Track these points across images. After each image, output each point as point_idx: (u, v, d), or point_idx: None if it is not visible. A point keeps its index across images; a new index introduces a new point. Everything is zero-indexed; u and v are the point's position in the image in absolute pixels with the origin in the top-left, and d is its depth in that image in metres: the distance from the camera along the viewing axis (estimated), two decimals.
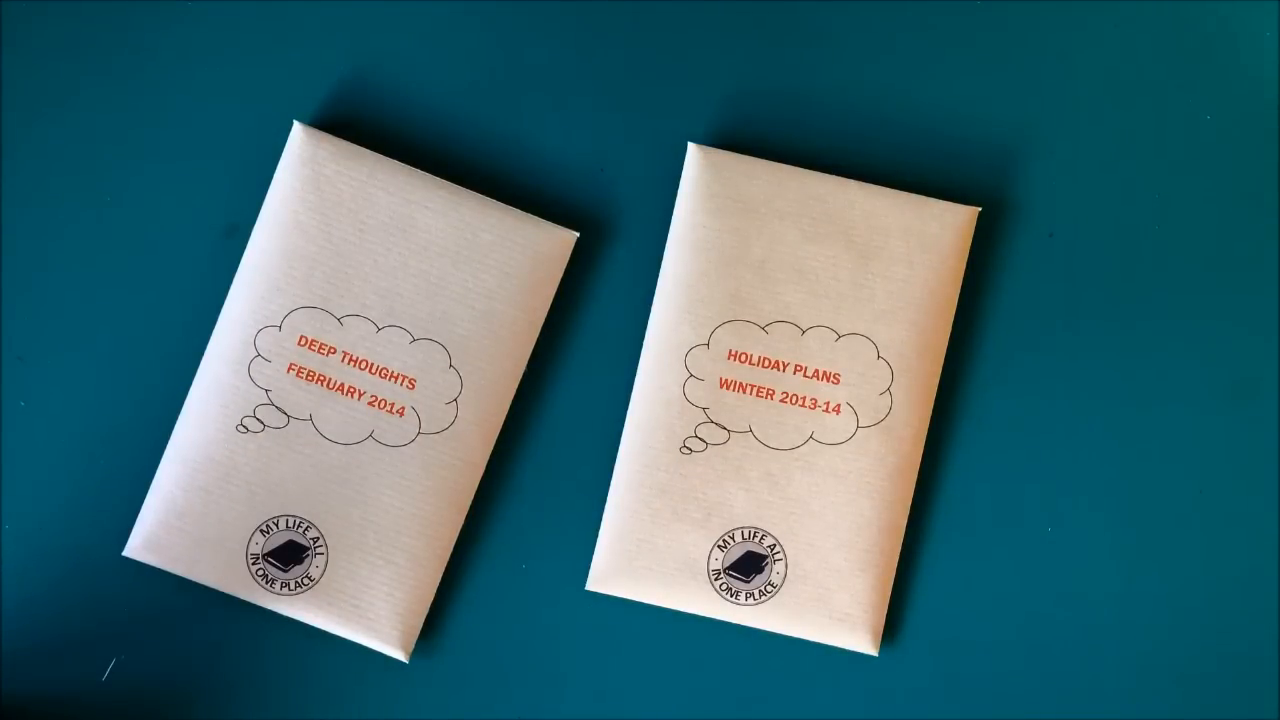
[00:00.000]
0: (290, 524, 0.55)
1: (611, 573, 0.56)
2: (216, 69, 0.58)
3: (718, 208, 0.56)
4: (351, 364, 0.55)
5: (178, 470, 0.55)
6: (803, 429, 0.55)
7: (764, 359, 0.55)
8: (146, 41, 0.57)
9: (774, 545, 0.55)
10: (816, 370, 0.55)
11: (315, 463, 0.55)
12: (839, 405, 0.55)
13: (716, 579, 0.55)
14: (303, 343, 0.55)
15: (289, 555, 0.55)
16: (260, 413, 0.55)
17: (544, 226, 0.56)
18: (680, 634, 0.57)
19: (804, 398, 0.55)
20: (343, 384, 0.55)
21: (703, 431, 0.55)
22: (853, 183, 0.56)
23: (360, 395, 0.55)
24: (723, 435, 0.55)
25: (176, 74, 0.57)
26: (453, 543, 0.56)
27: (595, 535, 0.56)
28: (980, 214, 0.56)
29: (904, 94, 0.58)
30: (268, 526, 0.55)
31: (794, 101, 0.58)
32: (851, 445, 0.55)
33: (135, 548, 0.55)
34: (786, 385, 0.55)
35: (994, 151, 0.58)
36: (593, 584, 0.56)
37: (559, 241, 0.56)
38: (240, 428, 0.55)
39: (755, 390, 0.55)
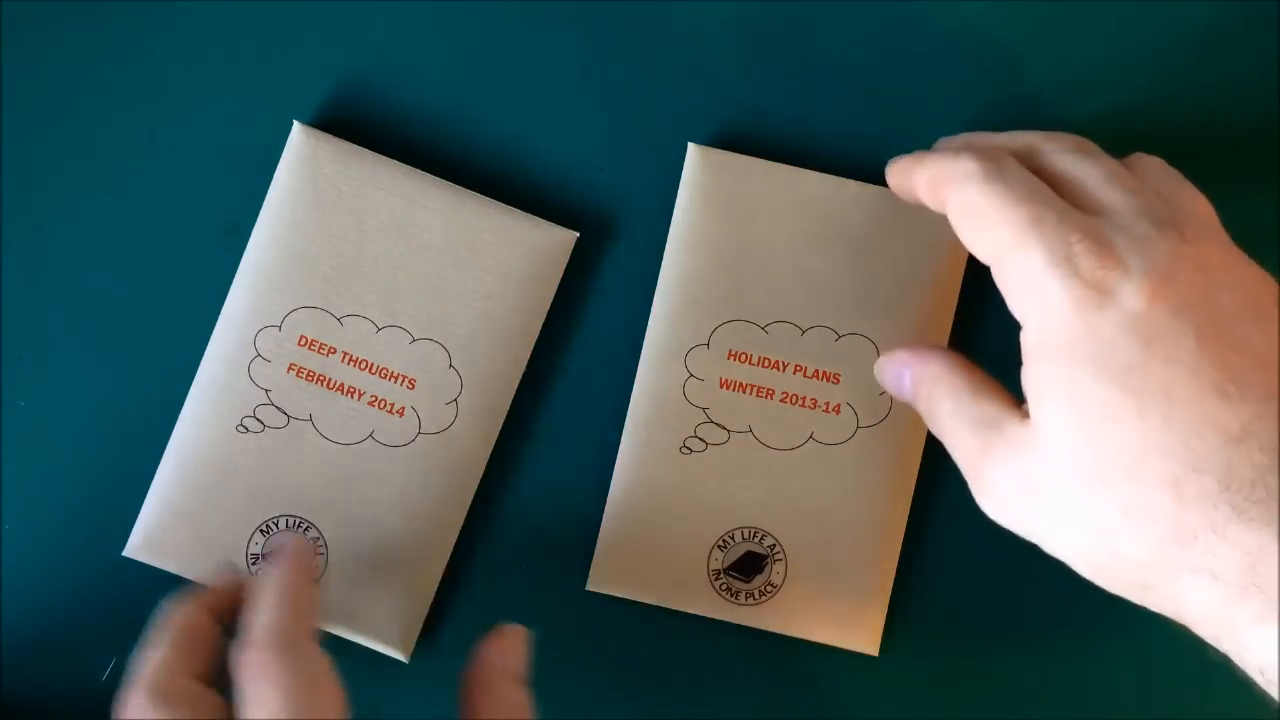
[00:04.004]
0: (290, 524, 0.55)
1: (611, 573, 0.56)
2: (216, 69, 0.57)
3: (718, 208, 0.56)
4: (351, 364, 0.55)
5: (178, 470, 0.55)
6: (803, 429, 0.55)
7: (764, 359, 0.55)
8: (146, 41, 0.57)
9: (774, 545, 0.55)
10: (816, 370, 0.55)
11: (315, 463, 0.55)
12: (839, 405, 0.55)
13: (716, 579, 0.55)
14: (303, 343, 0.55)
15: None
16: (260, 413, 0.55)
17: (544, 226, 0.56)
18: (680, 634, 0.57)
19: (804, 398, 0.55)
20: (343, 384, 0.55)
21: (703, 431, 0.55)
22: (852, 183, 0.56)
23: (360, 395, 0.55)
24: (723, 435, 0.55)
25: (176, 74, 0.57)
26: (453, 543, 0.56)
27: (595, 535, 0.56)
28: None
29: (904, 94, 0.58)
30: (267, 526, 0.55)
31: (794, 101, 0.58)
32: (851, 445, 0.55)
33: (135, 547, 0.55)
34: (786, 385, 0.55)
35: None
36: (593, 584, 0.56)
37: (559, 241, 0.56)
38: (240, 428, 0.55)
39: (755, 390, 0.55)
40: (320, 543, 0.55)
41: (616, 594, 0.56)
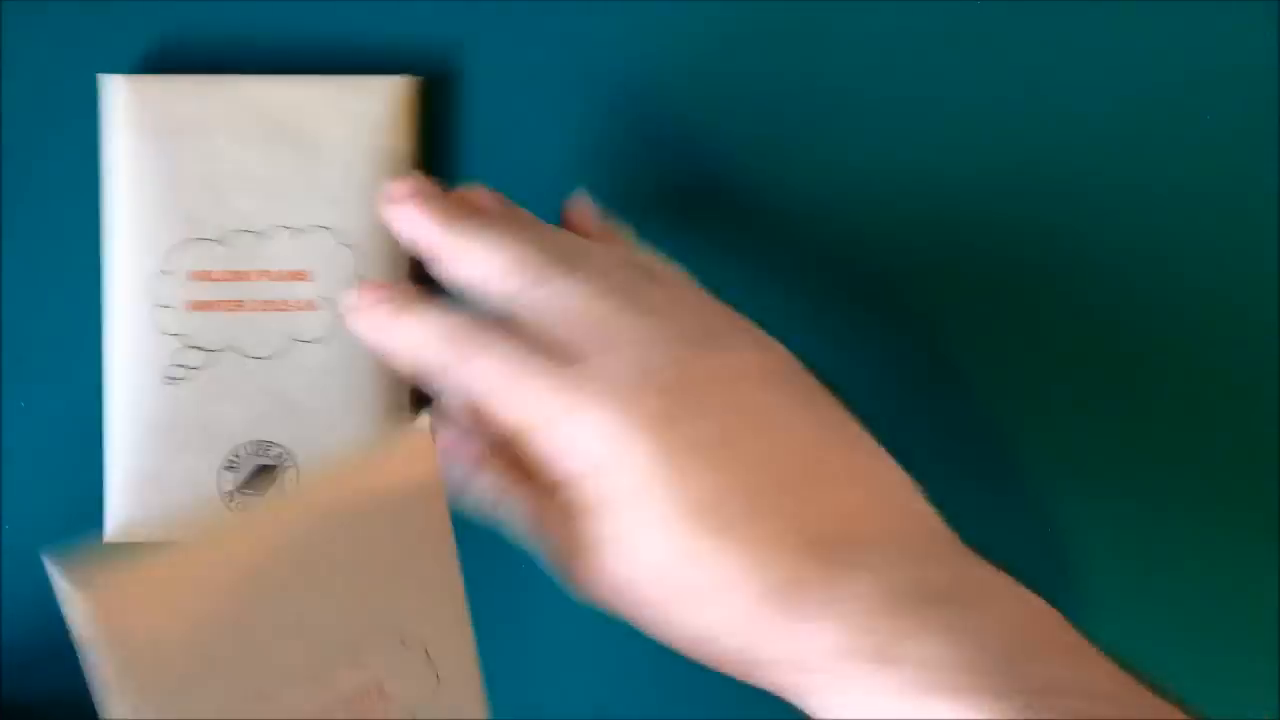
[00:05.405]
0: (251, 449, 0.55)
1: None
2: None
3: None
4: (247, 279, 0.55)
5: (125, 439, 0.55)
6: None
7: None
8: None
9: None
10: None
11: (252, 385, 0.55)
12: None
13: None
14: (196, 276, 0.55)
15: (262, 479, 0.55)
16: (180, 358, 0.55)
17: (377, 81, 0.55)
18: None
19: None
20: (246, 301, 0.55)
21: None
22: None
23: (268, 305, 0.55)
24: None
25: None
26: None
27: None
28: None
29: None
30: (231, 461, 0.55)
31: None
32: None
33: (113, 532, 0.55)
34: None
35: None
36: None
37: (401, 88, 0.55)
38: (167, 379, 0.55)
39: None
40: (285, 456, 0.55)
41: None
